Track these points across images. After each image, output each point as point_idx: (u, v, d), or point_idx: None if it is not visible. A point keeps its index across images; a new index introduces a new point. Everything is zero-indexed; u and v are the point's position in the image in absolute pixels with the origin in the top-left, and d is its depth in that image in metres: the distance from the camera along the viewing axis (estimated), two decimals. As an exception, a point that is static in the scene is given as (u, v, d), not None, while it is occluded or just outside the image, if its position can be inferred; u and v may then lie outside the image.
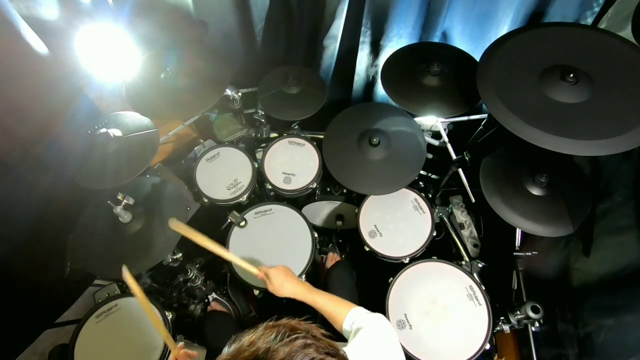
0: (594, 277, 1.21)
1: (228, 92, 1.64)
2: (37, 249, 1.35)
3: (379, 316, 0.91)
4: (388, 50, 1.66)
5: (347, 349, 0.77)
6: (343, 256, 1.71)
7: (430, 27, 1.55)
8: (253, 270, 1.11)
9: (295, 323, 0.57)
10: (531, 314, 1.15)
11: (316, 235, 1.43)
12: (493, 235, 1.64)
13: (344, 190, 1.65)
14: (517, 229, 1.37)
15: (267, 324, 0.57)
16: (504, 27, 1.45)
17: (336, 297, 1.01)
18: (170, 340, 1.02)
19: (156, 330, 1.21)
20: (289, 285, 1.04)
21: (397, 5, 1.47)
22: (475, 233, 1.67)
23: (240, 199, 1.53)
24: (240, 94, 1.67)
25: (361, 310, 0.94)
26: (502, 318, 1.25)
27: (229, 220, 1.42)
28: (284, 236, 1.43)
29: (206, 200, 1.53)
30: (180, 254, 1.44)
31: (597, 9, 1.34)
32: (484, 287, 1.24)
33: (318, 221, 1.80)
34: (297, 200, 1.65)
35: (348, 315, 0.93)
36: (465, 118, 1.49)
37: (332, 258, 1.64)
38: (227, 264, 1.38)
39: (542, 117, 0.98)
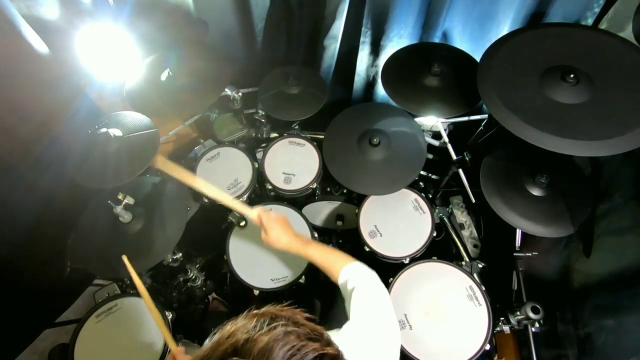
0: (594, 277, 1.21)
1: (228, 92, 1.64)
2: (37, 249, 1.34)
3: (372, 277, 0.91)
4: (388, 50, 1.66)
5: (347, 325, 0.79)
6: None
7: (430, 27, 1.55)
8: (248, 212, 1.03)
9: (276, 310, 0.55)
10: (531, 315, 1.15)
11: (316, 235, 1.42)
12: (493, 236, 1.64)
13: (344, 191, 1.66)
14: (517, 230, 1.37)
15: (248, 313, 0.55)
16: (504, 27, 1.45)
17: (333, 249, 0.99)
18: (171, 339, 1.01)
19: (156, 329, 1.21)
20: (285, 237, 1.01)
21: (398, 5, 1.47)
22: (475, 233, 1.67)
23: (241, 199, 1.53)
24: (240, 94, 1.67)
25: (356, 267, 0.93)
26: (502, 318, 1.25)
27: (229, 220, 1.42)
28: (284, 236, 1.42)
29: (206, 200, 1.53)
30: (180, 254, 1.44)
31: (597, 10, 1.33)
32: (484, 288, 1.24)
33: (318, 221, 1.80)
34: (297, 201, 1.65)
35: (343, 270, 0.93)
36: (465, 118, 1.50)
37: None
38: (227, 264, 1.37)
39: (543, 117, 0.98)
